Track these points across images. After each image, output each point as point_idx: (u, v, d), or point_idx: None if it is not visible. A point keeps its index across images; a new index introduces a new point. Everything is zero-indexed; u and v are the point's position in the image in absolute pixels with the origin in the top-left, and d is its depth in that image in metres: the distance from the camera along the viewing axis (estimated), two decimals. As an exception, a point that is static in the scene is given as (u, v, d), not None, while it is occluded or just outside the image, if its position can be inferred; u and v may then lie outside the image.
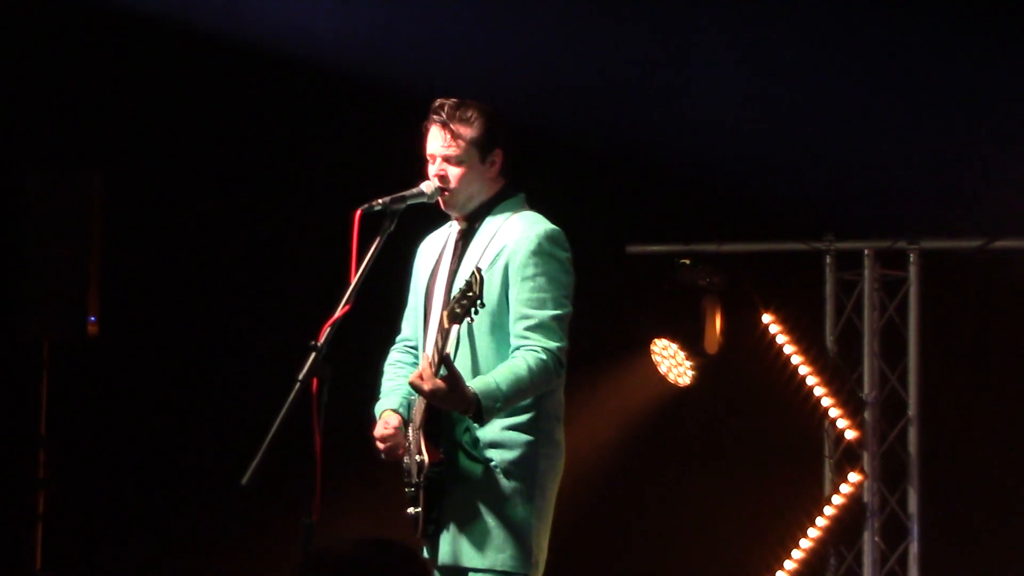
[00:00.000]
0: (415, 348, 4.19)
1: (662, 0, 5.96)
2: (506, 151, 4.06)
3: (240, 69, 6.43)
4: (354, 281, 3.76)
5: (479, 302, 3.72)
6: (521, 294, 3.89)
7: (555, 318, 3.90)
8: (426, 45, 6.27)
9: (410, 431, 3.98)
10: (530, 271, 3.92)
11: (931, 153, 6.58)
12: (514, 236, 3.97)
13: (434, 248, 4.18)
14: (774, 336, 6.96)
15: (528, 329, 3.88)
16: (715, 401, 7.11)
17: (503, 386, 3.80)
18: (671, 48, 6.14)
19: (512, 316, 3.91)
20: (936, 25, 5.97)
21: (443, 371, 3.81)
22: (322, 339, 3.66)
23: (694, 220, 7.12)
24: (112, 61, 6.29)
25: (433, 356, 3.81)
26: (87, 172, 6.07)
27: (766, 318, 6.97)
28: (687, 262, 7.01)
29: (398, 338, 4.27)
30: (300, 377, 3.61)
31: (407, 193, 3.96)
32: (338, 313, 3.69)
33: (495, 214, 4.04)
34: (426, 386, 3.78)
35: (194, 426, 6.50)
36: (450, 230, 4.17)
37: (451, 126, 3.99)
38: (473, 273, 3.71)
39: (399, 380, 4.15)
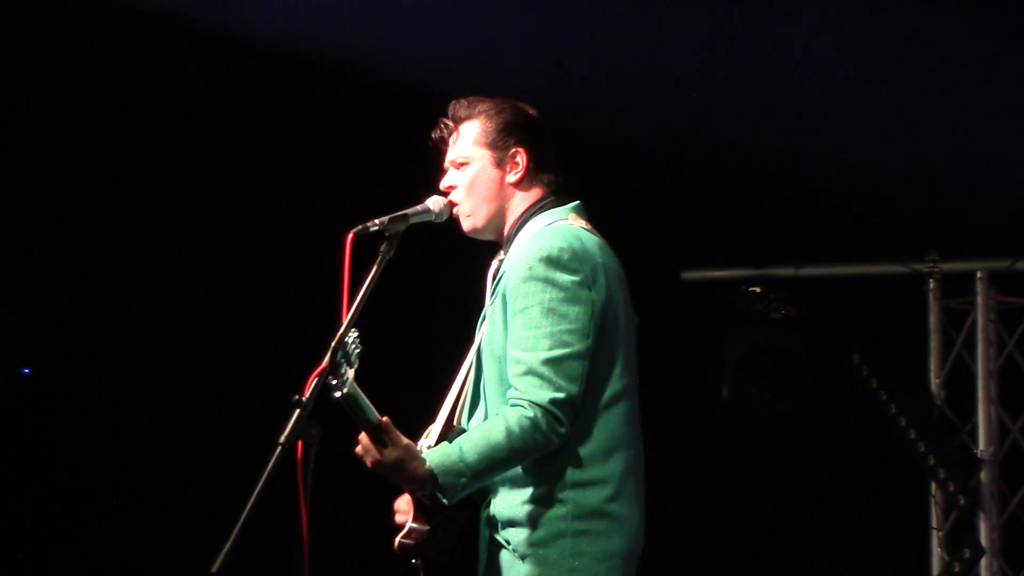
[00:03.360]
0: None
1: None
2: (533, 151, 3.98)
3: (207, 63, 6.46)
4: (346, 320, 3.72)
5: (341, 379, 3.60)
6: (512, 331, 3.80)
7: (549, 361, 3.73)
8: (449, 34, 6.28)
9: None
10: (520, 303, 3.80)
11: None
12: (513, 259, 3.87)
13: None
14: (867, 379, 6.94)
15: (515, 376, 3.76)
16: (798, 460, 7.10)
17: (469, 456, 3.70)
18: (736, 43, 6.15)
19: (508, 357, 3.81)
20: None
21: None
22: (308, 393, 3.63)
23: (765, 239, 7.12)
24: (47, 57, 6.32)
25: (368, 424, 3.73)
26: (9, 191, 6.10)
27: (856, 358, 6.95)
28: (757, 290, 7.02)
29: None
30: (282, 439, 3.59)
31: (410, 211, 3.92)
32: (327, 361, 3.65)
33: (523, 232, 3.96)
34: (367, 459, 3.73)
35: (155, 501, 6.50)
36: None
37: (458, 127, 3.98)
38: (343, 342, 3.62)
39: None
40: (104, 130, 6.33)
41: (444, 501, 3.75)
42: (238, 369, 6.37)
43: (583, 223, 3.96)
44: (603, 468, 3.83)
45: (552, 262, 3.80)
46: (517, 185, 3.99)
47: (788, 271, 7.09)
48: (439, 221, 4.01)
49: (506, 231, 4.00)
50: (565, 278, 3.79)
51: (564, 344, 3.74)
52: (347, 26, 6.21)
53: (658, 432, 7.06)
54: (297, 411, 3.60)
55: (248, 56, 6.38)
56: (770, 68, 6.18)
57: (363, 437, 3.73)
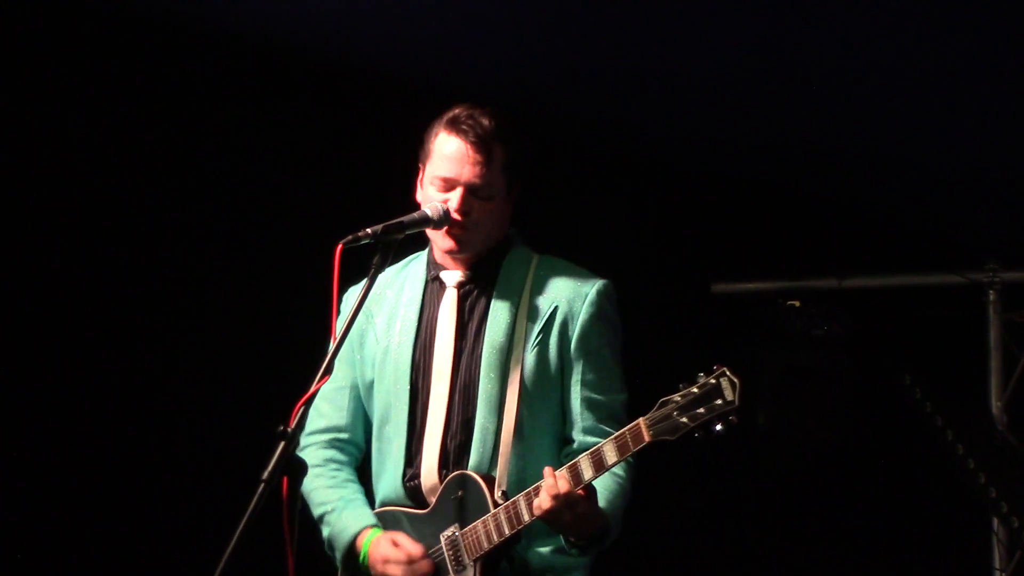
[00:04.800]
0: (349, 443, 4.19)
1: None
2: (525, 183, 4.15)
3: (191, 56, 6.47)
4: (335, 342, 3.74)
5: (730, 419, 3.67)
6: (586, 374, 3.99)
7: (624, 405, 4.03)
8: (451, 32, 6.26)
9: (448, 559, 3.99)
10: (595, 342, 4.02)
11: None
12: (564, 292, 4.04)
13: (407, 300, 4.16)
14: (920, 403, 6.92)
15: (601, 421, 3.98)
16: (843, 495, 7.10)
17: (618, 503, 3.96)
18: (772, 39, 6.15)
19: (576, 401, 4.01)
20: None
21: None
22: (294, 423, 3.61)
23: (804, 247, 7.14)
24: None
25: (583, 471, 3.80)
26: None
27: (908, 379, 6.93)
28: (796, 304, 7.01)
29: (316, 428, 4.23)
30: (265, 476, 3.58)
31: (406, 219, 3.94)
32: (314, 387, 3.65)
33: (508, 263, 4.11)
34: (569, 510, 3.79)
35: (129, 542, 6.49)
36: (420, 273, 4.16)
37: (491, 146, 4.03)
38: (722, 372, 3.71)
39: (349, 488, 4.15)
40: (71, 133, 6.33)
41: (583, 552, 3.90)
42: (215, 395, 6.33)
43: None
44: None
45: (613, 301, 4.09)
46: (508, 216, 4.16)
47: (830, 282, 7.09)
48: (438, 230, 4.04)
49: (477, 255, 4.12)
50: (618, 318, 4.08)
51: (625, 387, 4.05)
52: (335, 21, 6.20)
53: (685, 465, 7.07)
54: (282, 444, 3.58)
55: (225, 53, 6.38)
56: (809, 62, 6.18)
57: (564, 483, 3.79)
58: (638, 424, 3.72)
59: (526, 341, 3.99)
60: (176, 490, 6.28)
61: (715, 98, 6.50)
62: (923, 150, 6.67)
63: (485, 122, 4.04)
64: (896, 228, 6.96)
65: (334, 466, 4.18)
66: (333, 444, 4.21)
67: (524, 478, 3.93)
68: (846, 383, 7.06)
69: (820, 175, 6.89)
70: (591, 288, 4.04)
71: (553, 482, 3.77)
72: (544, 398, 3.99)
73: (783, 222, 7.14)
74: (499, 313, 4.03)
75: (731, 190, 7.20)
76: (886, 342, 7.02)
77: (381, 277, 4.10)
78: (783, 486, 7.16)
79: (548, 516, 3.80)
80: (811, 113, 6.52)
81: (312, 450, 4.18)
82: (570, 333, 4.00)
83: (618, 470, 3.92)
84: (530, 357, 3.98)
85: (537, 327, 4.00)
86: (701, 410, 3.67)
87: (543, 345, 4.00)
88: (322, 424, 4.21)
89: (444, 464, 4.01)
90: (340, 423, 4.20)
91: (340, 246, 3.79)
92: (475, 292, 4.09)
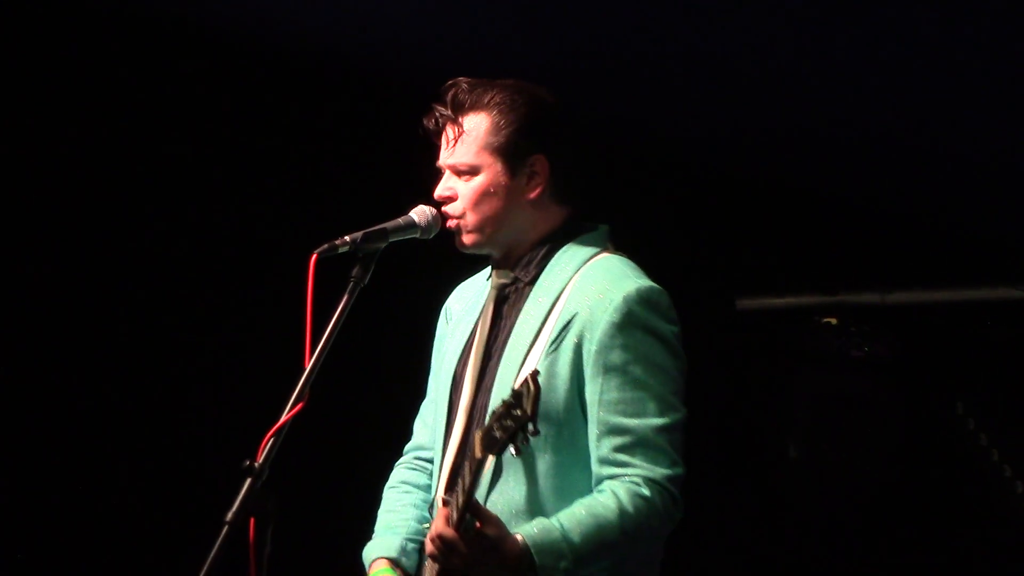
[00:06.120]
0: (432, 462, 4.10)
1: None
2: (556, 159, 3.95)
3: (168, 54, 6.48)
4: (309, 365, 3.69)
5: (530, 426, 3.53)
6: (606, 393, 3.81)
7: (662, 430, 3.79)
8: (448, 21, 6.28)
9: None
10: (617, 356, 3.81)
11: None
12: (588, 298, 3.84)
13: (471, 308, 4.09)
14: (973, 434, 6.93)
15: (620, 450, 3.78)
16: (886, 538, 7.08)
17: (573, 535, 3.69)
18: (810, 32, 6.15)
19: (593, 427, 3.81)
20: None
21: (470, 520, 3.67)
22: (261, 457, 3.60)
23: (842, 258, 7.14)
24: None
25: (456, 501, 3.67)
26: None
27: (960, 407, 6.93)
28: (832, 322, 7.00)
29: (408, 446, 4.23)
30: (229, 517, 3.55)
31: (389, 225, 3.87)
32: (285, 416, 3.62)
33: (558, 259, 3.95)
34: (452, 558, 3.65)
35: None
36: (489, 281, 4.06)
37: (460, 119, 3.92)
38: (526, 381, 3.55)
39: (404, 513, 4.07)
40: (55, 133, 6.38)
41: None
42: (176, 426, 6.34)
43: (626, 258, 3.98)
44: (651, 566, 3.94)
45: (651, 305, 3.85)
46: (535, 201, 3.96)
47: (872, 297, 7.08)
48: (426, 238, 3.96)
49: (520, 251, 3.99)
50: (667, 328, 3.86)
51: (674, 408, 3.82)
52: (318, 9, 6.22)
53: (711, 502, 7.06)
54: (248, 480, 3.56)
55: (216, 54, 6.41)
56: (849, 55, 6.17)
57: (444, 528, 3.66)
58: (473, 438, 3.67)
59: (541, 354, 3.85)
60: (139, 528, 6.30)
61: (740, 92, 6.50)
62: (975, 152, 6.67)
63: (454, 92, 3.95)
64: (946, 237, 6.95)
65: (404, 488, 4.14)
66: (414, 463, 4.18)
67: (534, 515, 3.78)
68: (890, 412, 7.06)
69: (860, 177, 6.90)
70: (619, 293, 3.81)
71: (437, 522, 3.68)
72: (556, 423, 3.81)
73: (818, 229, 7.14)
74: (526, 322, 3.91)
75: (758, 193, 7.20)
76: (935, 365, 7.00)
77: (477, 276, 4.10)
78: (817, 527, 7.14)
79: (441, 565, 3.71)
80: (850, 108, 6.51)
81: (396, 470, 4.18)
82: (588, 345, 3.81)
83: (610, 503, 3.71)
84: (543, 377, 3.73)
85: (553, 337, 3.85)
86: (509, 422, 3.54)
87: (554, 358, 3.83)
88: (412, 442, 4.21)
89: (451, 488, 3.88)
90: (423, 440, 4.17)
91: (315, 256, 3.75)
92: (511, 298, 3.98)
